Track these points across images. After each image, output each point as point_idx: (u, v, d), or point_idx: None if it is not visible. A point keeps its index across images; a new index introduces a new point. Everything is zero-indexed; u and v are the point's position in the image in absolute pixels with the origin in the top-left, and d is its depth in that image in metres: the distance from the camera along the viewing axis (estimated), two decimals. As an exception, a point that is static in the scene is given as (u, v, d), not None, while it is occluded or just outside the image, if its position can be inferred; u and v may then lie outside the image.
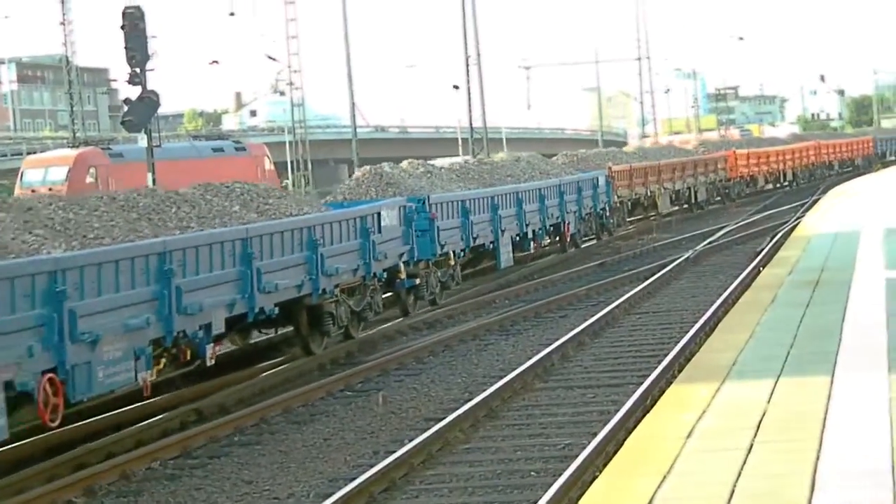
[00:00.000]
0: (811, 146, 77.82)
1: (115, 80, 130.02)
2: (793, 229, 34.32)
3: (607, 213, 43.18)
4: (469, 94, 73.28)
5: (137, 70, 35.14)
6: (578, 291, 28.79)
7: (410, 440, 14.94)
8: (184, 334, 17.08)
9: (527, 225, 33.98)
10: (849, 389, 11.52)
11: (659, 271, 30.92)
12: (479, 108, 73.41)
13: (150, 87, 35.64)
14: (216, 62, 77.49)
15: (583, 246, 40.42)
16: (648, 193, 50.10)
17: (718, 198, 60.43)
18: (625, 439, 11.73)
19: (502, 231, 31.96)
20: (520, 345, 22.56)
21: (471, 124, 73.30)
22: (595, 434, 14.19)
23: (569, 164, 46.85)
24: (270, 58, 78.85)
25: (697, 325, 21.05)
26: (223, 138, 70.38)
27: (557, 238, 38.25)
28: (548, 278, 32.33)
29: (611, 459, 10.88)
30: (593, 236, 42.56)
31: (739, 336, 15.09)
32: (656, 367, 17.70)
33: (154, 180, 36.52)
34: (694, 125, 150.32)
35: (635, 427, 12.13)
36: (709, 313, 22.32)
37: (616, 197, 44.75)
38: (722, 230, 42.37)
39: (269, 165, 62.48)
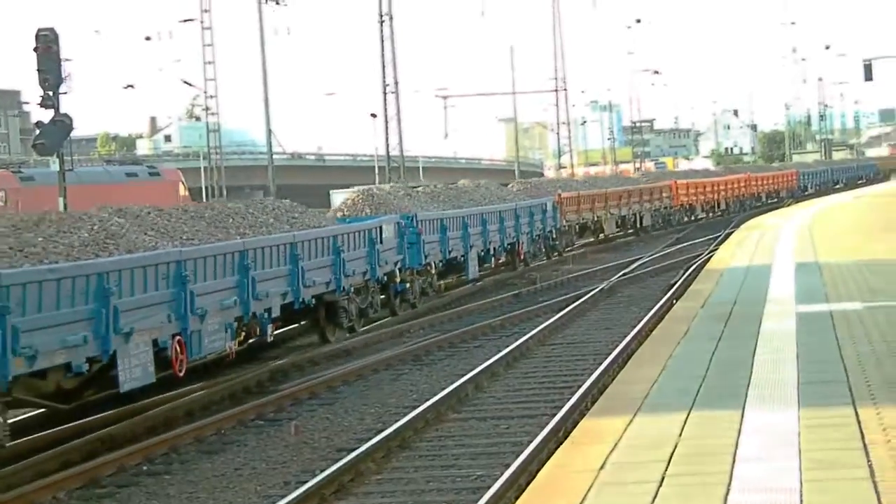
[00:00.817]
0: (743, 178, 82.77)
1: (27, 103, 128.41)
2: (706, 262, 34.57)
3: (554, 235, 47.60)
4: (386, 122, 73.33)
5: (50, 93, 34.77)
6: (493, 322, 28.80)
7: (322, 471, 14.83)
8: (254, 315, 21.79)
9: (489, 242, 38.85)
10: (759, 423, 11.58)
11: (573, 302, 31.01)
12: (396, 136, 73.47)
13: (62, 110, 35.27)
14: (131, 86, 76.68)
15: (532, 264, 44.03)
16: (595, 218, 54.55)
17: (662, 223, 64.31)
18: (537, 471, 11.70)
19: (471, 247, 36.76)
20: (433, 375, 22.51)
21: (387, 152, 73.30)
22: (508, 465, 14.16)
23: (523, 190, 51.44)
24: (186, 83, 78.37)
25: (611, 357, 21.12)
26: (137, 163, 69.84)
27: (512, 256, 42.59)
28: (462, 308, 32.34)
29: (523, 491, 10.84)
30: (543, 256, 46.43)
31: (652, 369, 15.14)
32: (569, 399, 17.72)
33: (66, 205, 36.07)
34: (610, 157, 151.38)
35: (548, 459, 12.11)
36: (622, 345, 22.41)
37: (564, 221, 49.12)
38: (636, 262, 42.63)
39: (183, 191, 62.03)
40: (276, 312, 22.83)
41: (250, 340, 22.81)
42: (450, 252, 34.95)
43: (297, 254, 23.61)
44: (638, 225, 61.16)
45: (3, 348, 14.89)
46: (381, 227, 29.16)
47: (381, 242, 28.87)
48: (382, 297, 29.73)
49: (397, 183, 60.45)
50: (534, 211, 44.47)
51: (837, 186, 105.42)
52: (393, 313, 30.73)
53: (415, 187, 43.46)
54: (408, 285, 31.42)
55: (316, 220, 27.65)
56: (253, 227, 24.40)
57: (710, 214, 74.32)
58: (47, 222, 18.84)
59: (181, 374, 19.08)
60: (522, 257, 43.08)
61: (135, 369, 17.56)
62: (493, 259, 40.16)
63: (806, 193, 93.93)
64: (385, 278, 29.41)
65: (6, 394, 15.49)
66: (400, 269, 30.67)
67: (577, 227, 52.51)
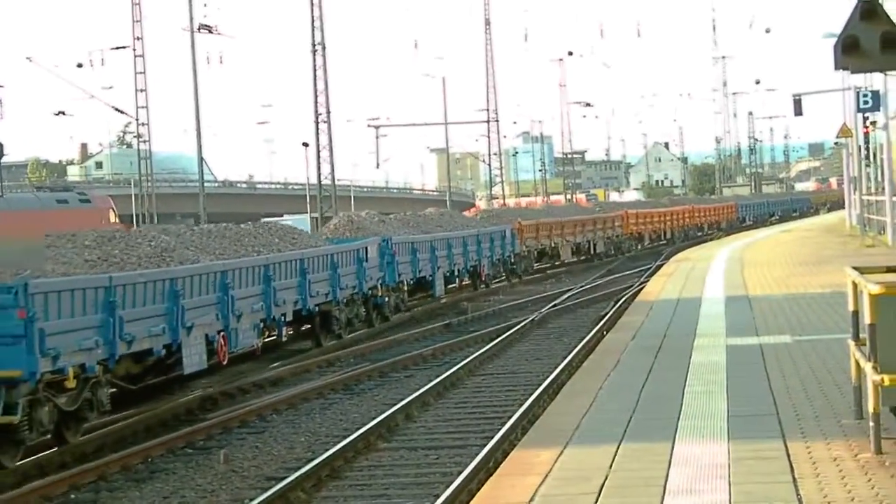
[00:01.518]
0: (687, 209, 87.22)
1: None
2: (636, 294, 34.69)
3: (512, 260, 51.34)
4: (318, 151, 73.24)
5: (-20, 119, 34.43)
6: (424, 351, 28.78)
7: (251, 500, 14.74)
8: (273, 318, 26.27)
9: (454, 264, 42.68)
10: (689, 455, 11.63)
11: (504, 333, 31.04)
12: (328, 165, 73.37)
13: (-7, 135, 34.94)
14: (62, 113, 75.95)
15: (492, 286, 47.80)
16: (553, 245, 58.63)
17: (614, 251, 67.99)
18: (468, 502, 11.68)
19: (438, 268, 40.48)
20: (364, 404, 22.46)
21: (319, 181, 73.19)
22: (438, 496, 14.14)
23: (485, 218, 55.96)
24: (118, 110, 77.89)
25: (541, 388, 21.16)
26: (68, 190, 69.23)
27: (474, 278, 46.58)
28: (393, 338, 32.29)
29: (453, 523, 10.82)
30: (503, 279, 50.18)
31: (583, 400, 15.16)
32: (500, 430, 17.73)
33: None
34: (541, 188, 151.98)
35: (478, 490, 12.09)
36: (553, 376, 22.46)
37: (524, 247, 53.20)
38: (567, 293, 42.75)
39: (113, 218, 61.50)
40: (289, 317, 27.41)
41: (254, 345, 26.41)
42: (420, 272, 38.82)
43: (305, 268, 28.13)
44: (592, 251, 65.04)
45: (113, 334, 18.95)
46: (367, 248, 33.55)
47: (367, 261, 33.26)
48: (363, 309, 33.39)
49: (327, 211, 60.48)
50: (494, 237, 48.41)
51: (773, 219, 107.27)
52: (370, 325, 34.00)
53: (388, 214, 46.58)
54: (386, 299, 35.20)
55: (313, 241, 32.14)
56: (264, 245, 28.44)
57: (653, 243, 77.33)
58: (116, 239, 23.09)
59: (225, 363, 23.74)
60: (483, 279, 47.12)
61: (193, 357, 21.84)
62: (457, 279, 44.34)
63: (743, 224, 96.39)
64: (369, 292, 33.52)
65: (109, 371, 19.32)
66: (380, 285, 34.70)
67: (535, 252, 56.40)
